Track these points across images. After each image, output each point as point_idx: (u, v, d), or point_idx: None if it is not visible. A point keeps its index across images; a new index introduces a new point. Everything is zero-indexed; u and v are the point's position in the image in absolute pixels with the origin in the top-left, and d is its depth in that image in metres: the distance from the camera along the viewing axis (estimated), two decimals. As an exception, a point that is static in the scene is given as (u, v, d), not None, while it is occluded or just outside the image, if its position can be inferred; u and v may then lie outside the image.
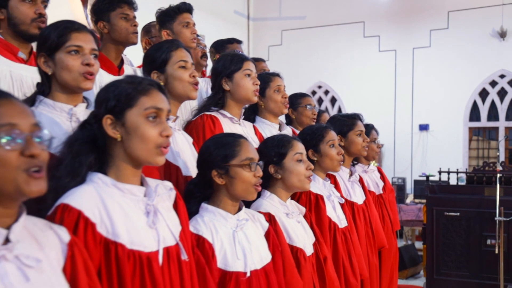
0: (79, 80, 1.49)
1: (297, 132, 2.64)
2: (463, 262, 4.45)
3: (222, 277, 1.52)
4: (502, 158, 7.19)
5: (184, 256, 1.32)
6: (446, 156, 7.45)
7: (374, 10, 8.26)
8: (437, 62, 7.84)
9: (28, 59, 1.93)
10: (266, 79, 2.37)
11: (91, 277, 1.10)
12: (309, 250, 1.91)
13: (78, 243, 1.11)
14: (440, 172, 4.88)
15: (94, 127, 1.29)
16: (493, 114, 7.67)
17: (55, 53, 1.49)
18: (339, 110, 8.40)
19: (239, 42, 3.08)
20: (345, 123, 2.61)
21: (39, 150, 0.96)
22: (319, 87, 8.75)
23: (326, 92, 8.72)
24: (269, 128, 2.40)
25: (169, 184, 1.37)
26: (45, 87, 1.52)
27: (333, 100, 8.69)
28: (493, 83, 7.62)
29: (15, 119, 0.94)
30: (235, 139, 1.64)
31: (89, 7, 5.04)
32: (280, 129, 2.46)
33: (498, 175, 4.27)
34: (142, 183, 1.32)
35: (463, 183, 5.13)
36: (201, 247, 1.49)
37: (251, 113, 2.46)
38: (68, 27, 1.50)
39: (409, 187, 7.54)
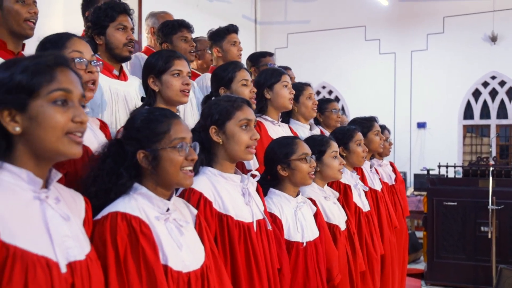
0: (180, 96, 1.97)
1: (324, 131, 3.15)
2: (460, 246, 4.97)
3: (286, 245, 1.97)
4: (494, 153, 7.73)
5: (269, 227, 1.80)
6: (442, 151, 7.97)
7: (374, 15, 8.75)
8: (433, 64, 8.34)
9: (119, 75, 2.34)
10: (300, 88, 2.85)
11: (210, 241, 1.51)
12: (342, 226, 2.41)
13: (201, 215, 1.54)
14: (439, 166, 5.40)
15: (201, 134, 1.75)
16: (485, 112, 8.19)
17: (162, 75, 1.96)
18: (342, 109, 8.88)
19: (271, 55, 3.56)
20: (365, 125, 3.12)
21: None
22: (323, 87, 9.24)
23: (330, 92, 9.21)
24: (302, 128, 2.88)
25: (254, 173, 1.86)
26: (151, 101, 1.98)
27: (337, 100, 9.18)
28: (485, 84, 8.14)
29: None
30: (293, 140, 2.13)
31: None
32: (310, 129, 2.96)
33: (491, 168, 4.81)
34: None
35: (460, 176, 5.64)
36: (273, 222, 1.98)
37: (285, 116, 2.96)
38: (171, 55, 1.98)
39: (409, 180, 8.07)
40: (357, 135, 2.73)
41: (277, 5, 9.40)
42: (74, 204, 1.19)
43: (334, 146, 2.41)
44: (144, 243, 1.25)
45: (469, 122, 8.28)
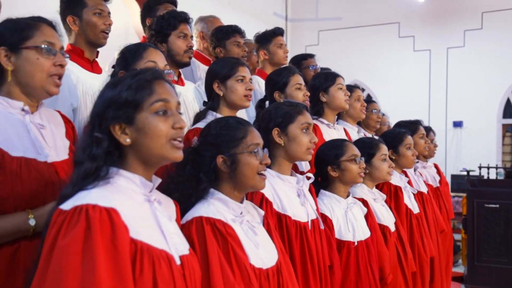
0: (243, 100, 2.09)
1: (367, 134, 3.11)
2: (502, 250, 4.83)
3: (337, 244, 2.01)
4: (535, 154, 7.50)
5: (322, 226, 1.85)
6: (480, 151, 7.78)
7: (409, 11, 8.59)
8: (471, 61, 8.14)
9: (178, 80, 2.44)
10: (349, 90, 2.84)
11: (278, 239, 1.60)
12: (392, 228, 2.40)
13: (266, 215, 1.61)
14: (480, 167, 5.26)
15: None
16: (525, 111, 7.98)
17: (227, 80, 2.06)
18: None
19: (312, 56, 3.56)
20: (410, 128, 3.09)
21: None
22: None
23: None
24: (350, 130, 2.87)
25: (309, 175, 1.88)
26: (215, 105, 2.09)
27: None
28: (526, 81, 7.91)
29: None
30: (342, 142, 2.15)
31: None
32: (357, 132, 2.94)
33: (536, 170, 4.65)
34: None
35: (502, 177, 5.49)
36: (324, 222, 1.98)
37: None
38: (236, 62, 2.10)
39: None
40: (407, 138, 2.73)
41: (308, 2, 9.35)
42: (168, 206, 1.29)
43: (384, 149, 2.41)
44: (233, 243, 1.35)
45: (508, 121, 8.05)
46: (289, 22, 9.52)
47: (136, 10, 6.24)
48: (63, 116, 1.65)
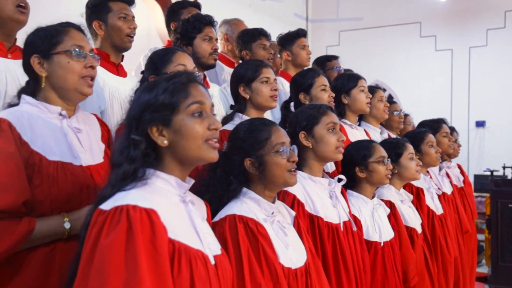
0: (269, 101, 2.14)
1: (391, 135, 3.15)
2: (527, 250, 4.79)
3: (365, 244, 2.05)
4: (560, 154, 7.37)
5: (355, 228, 1.88)
6: (503, 151, 7.67)
7: (430, 11, 8.53)
8: (494, 60, 8.03)
9: (203, 82, 2.50)
10: (372, 91, 2.89)
11: (308, 240, 1.63)
12: (419, 229, 2.43)
13: (297, 215, 1.66)
14: (504, 167, 5.23)
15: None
16: (550, 110, 7.83)
17: (252, 83, 2.11)
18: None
19: (336, 58, 3.61)
20: (433, 127, 3.11)
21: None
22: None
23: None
24: (373, 131, 2.91)
25: (341, 177, 1.93)
26: (242, 107, 2.15)
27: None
28: (550, 80, 7.77)
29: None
30: (370, 143, 2.19)
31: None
32: (381, 133, 2.98)
33: (562, 170, 4.60)
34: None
35: (526, 178, 5.43)
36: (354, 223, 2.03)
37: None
38: (259, 64, 2.14)
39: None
40: (428, 137, 2.75)
41: (329, 3, 9.35)
42: (200, 207, 1.32)
43: (410, 148, 2.45)
44: (263, 242, 1.38)
45: (532, 121, 7.92)
46: (310, 23, 9.54)
47: (159, 13, 6.30)
48: (99, 119, 1.69)
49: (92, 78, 1.51)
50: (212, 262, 1.18)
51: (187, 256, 1.10)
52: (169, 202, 1.16)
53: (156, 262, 1.03)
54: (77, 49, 1.47)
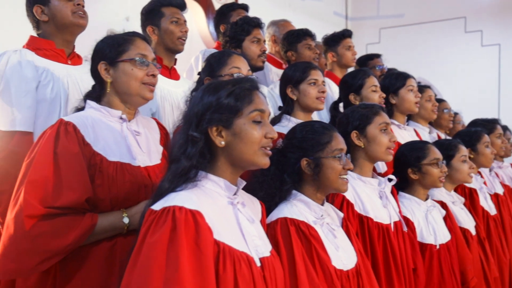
0: (316, 103, 2.16)
1: (440, 134, 3.10)
2: None
3: (420, 247, 2.03)
4: None
5: (405, 228, 1.87)
6: (556, 150, 7.35)
7: (476, 5, 8.27)
8: (544, 54, 7.71)
9: None
10: (420, 90, 2.85)
11: (357, 242, 1.65)
12: (473, 231, 2.38)
13: (345, 217, 1.68)
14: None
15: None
16: None
17: (299, 85, 2.14)
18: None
19: (378, 56, 3.58)
20: (486, 127, 3.03)
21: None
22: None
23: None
24: (422, 131, 2.88)
25: (391, 177, 1.92)
26: (289, 109, 2.18)
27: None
28: None
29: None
30: (424, 144, 2.16)
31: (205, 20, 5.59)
32: (429, 132, 2.93)
33: None
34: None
35: None
36: (406, 225, 2.02)
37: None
38: (307, 66, 2.17)
39: (517, 181, 7.55)
40: (485, 137, 2.70)
41: (369, 0, 9.21)
42: (253, 207, 1.35)
43: (463, 150, 2.40)
44: (316, 244, 1.40)
45: None
46: (350, 21, 9.44)
47: (201, 15, 6.40)
48: (158, 123, 1.76)
49: (153, 85, 1.58)
50: (258, 264, 1.20)
51: (231, 258, 1.13)
52: (216, 204, 1.19)
53: (200, 262, 1.06)
54: (141, 58, 1.55)
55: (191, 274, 1.04)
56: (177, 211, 1.08)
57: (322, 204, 1.55)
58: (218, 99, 1.21)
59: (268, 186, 1.48)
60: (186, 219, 1.08)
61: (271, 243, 1.34)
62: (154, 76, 1.57)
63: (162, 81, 2.25)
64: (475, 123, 3.07)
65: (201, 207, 1.12)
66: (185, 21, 2.36)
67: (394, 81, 2.61)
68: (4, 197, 1.68)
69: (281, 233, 1.38)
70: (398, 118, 2.61)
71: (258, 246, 1.23)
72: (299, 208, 1.48)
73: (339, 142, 1.55)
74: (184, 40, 2.34)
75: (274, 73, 3.16)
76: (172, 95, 2.26)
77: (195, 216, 1.09)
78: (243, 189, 1.33)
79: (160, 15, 2.30)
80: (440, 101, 3.23)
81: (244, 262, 1.15)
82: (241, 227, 1.21)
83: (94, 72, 1.58)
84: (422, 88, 2.86)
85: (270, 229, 1.40)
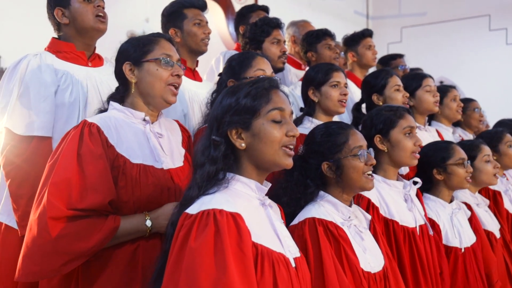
0: (338, 106, 2.12)
1: (463, 135, 3.03)
2: None
3: (445, 250, 1.99)
4: None
5: (431, 232, 1.83)
6: None
7: (500, 2, 8.09)
8: None
9: None
10: (445, 90, 2.80)
11: (384, 244, 1.63)
12: (497, 234, 2.33)
13: (372, 219, 1.65)
14: None
15: None
16: None
17: (321, 86, 2.11)
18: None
19: (401, 56, 3.53)
20: (511, 127, 2.95)
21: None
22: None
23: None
24: (445, 132, 2.82)
25: (416, 180, 1.88)
26: (311, 110, 2.16)
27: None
28: None
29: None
30: (449, 144, 2.11)
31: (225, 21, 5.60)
32: (453, 132, 2.88)
33: None
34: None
35: None
36: (432, 227, 1.98)
37: (428, 119, 2.91)
38: (330, 68, 2.14)
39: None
40: (507, 136, 2.62)
41: (391, -2, 9.11)
42: (276, 210, 1.35)
43: (486, 149, 2.34)
44: (345, 245, 1.39)
45: None
46: (371, 20, 9.35)
47: (220, 16, 6.41)
48: (180, 125, 1.76)
49: (177, 86, 1.58)
50: (293, 264, 1.20)
51: (270, 259, 1.12)
52: (250, 205, 1.18)
53: (244, 265, 1.06)
54: (166, 58, 1.54)
55: (239, 277, 1.04)
56: (218, 214, 1.08)
57: (350, 206, 1.53)
58: (236, 101, 1.20)
59: (292, 192, 1.48)
60: (228, 222, 1.08)
61: (298, 244, 1.33)
62: (178, 76, 1.57)
63: (188, 83, 2.27)
64: (502, 123, 3.00)
65: (239, 209, 1.11)
66: (207, 22, 2.36)
67: (410, 82, 2.56)
68: (23, 201, 1.70)
69: (309, 233, 1.38)
70: (418, 119, 2.57)
71: (291, 247, 1.23)
72: (326, 208, 1.47)
73: (357, 139, 1.52)
74: (208, 41, 2.34)
75: (293, 74, 3.14)
76: (199, 96, 2.26)
77: (235, 219, 1.09)
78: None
79: (183, 17, 2.29)
80: (470, 100, 3.16)
81: (282, 263, 1.15)
82: (275, 227, 1.21)
83: (119, 73, 1.59)
84: (447, 88, 2.81)
85: (298, 230, 1.40)
